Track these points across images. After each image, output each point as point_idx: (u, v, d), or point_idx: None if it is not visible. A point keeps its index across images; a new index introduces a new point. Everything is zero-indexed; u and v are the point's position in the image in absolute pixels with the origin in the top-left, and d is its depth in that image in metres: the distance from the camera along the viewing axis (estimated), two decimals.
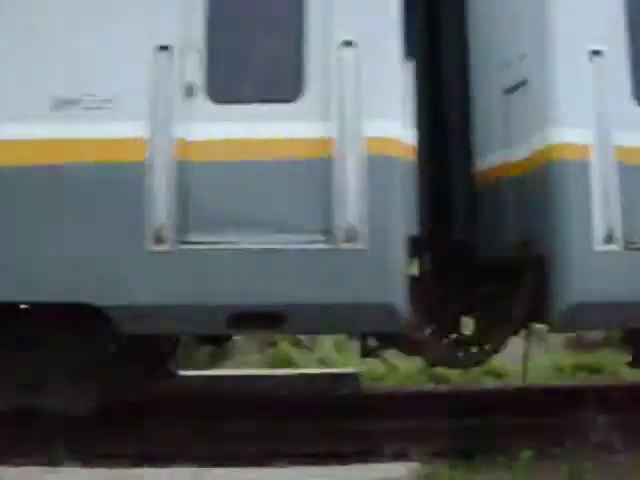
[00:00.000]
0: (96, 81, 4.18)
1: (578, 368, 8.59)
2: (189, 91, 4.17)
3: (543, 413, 5.31)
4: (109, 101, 4.13)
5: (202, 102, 4.20)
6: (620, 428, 4.58)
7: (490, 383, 7.90)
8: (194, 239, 4.08)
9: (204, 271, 4.09)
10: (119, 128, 4.12)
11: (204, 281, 4.08)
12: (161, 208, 4.05)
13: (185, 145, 4.14)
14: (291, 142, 4.19)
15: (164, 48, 4.16)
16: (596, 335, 10.02)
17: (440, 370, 7.73)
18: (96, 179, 4.10)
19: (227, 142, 4.18)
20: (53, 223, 4.05)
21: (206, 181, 4.12)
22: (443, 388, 7.67)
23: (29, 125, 4.11)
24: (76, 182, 4.08)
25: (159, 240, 4.04)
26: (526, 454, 4.09)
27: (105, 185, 4.10)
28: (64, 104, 4.13)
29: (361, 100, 4.15)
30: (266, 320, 4.12)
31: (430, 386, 7.84)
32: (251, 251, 4.07)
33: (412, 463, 4.03)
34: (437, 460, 4.24)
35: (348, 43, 4.17)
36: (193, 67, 4.20)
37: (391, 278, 4.14)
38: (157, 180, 4.08)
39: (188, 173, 4.09)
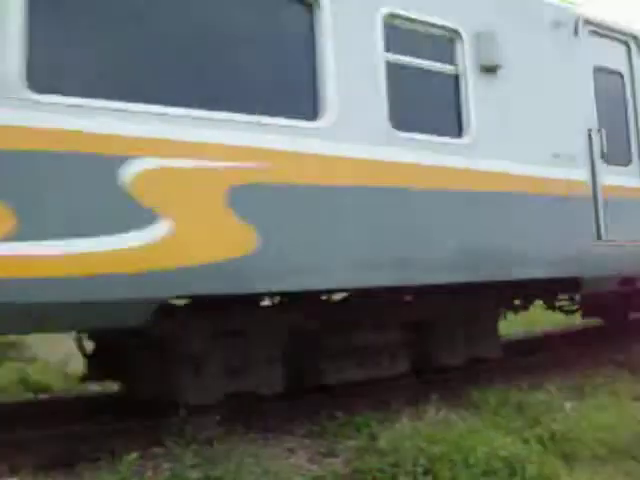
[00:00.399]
0: (568, 145, 7.44)
1: None
2: (601, 157, 7.71)
3: (145, 415, 5.50)
4: (574, 157, 7.44)
5: (602, 163, 7.69)
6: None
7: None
8: (610, 238, 7.57)
9: (617, 256, 7.68)
10: (577, 174, 7.46)
11: (616, 261, 7.70)
12: (601, 223, 7.52)
13: (604, 187, 7.63)
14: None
15: (590, 130, 7.64)
16: None
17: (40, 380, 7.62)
18: (560, 203, 7.22)
19: (619, 187, 7.87)
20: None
21: (612, 209, 7.67)
22: (44, 397, 7.48)
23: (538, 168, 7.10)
24: (553, 204, 7.17)
25: (599, 238, 7.50)
26: (130, 456, 4.24)
27: (568, 207, 7.29)
28: (559, 157, 7.27)
29: None
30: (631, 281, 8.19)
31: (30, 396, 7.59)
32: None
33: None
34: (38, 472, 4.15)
35: None
36: (600, 143, 7.69)
37: None
38: (599, 208, 7.57)
39: (607, 204, 7.66)
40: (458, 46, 6.67)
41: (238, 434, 5.16)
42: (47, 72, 4.39)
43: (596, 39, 8.13)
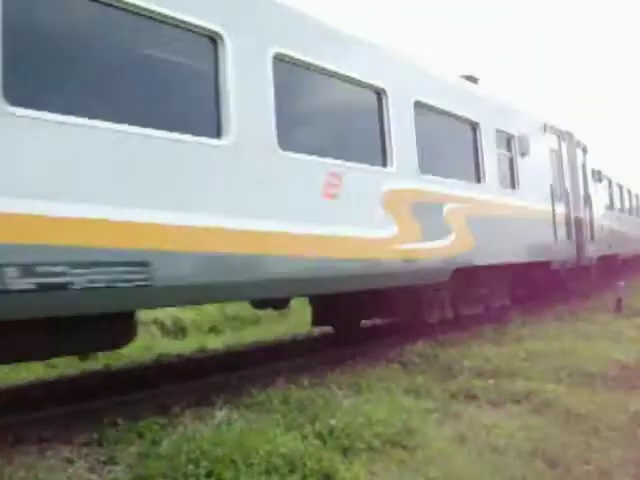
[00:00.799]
0: (545, 191, 14.36)
1: None
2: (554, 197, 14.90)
3: None
4: (548, 197, 14.43)
5: (555, 201, 14.82)
6: None
7: None
8: (558, 240, 14.54)
9: (561, 249, 14.83)
10: (548, 206, 14.38)
11: (561, 252, 14.80)
12: (556, 232, 14.41)
13: (555, 213, 14.61)
14: None
15: (551, 183, 14.72)
16: None
17: None
18: (545, 221, 14.23)
19: (560, 213, 15.08)
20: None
21: (558, 223, 14.71)
22: None
23: (540, 204, 14.13)
24: (543, 222, 14.19)
25: (555, 240, 14.33)
26: None
27: (546, 223, 14.29)
28: (544, 197, 14.25)
29: None
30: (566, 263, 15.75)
31: None
32: None
33: None
34: None
35: None
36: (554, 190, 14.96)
37: None
38: (555, 223, 14.50)
39: (556, 221, 14.68)
40: (512, 142, 13.03)
41: (9, 445, 5.04)
42: (425, 165, 9.76)
43: (550, 133, 15.27)
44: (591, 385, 7.17)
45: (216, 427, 5.56)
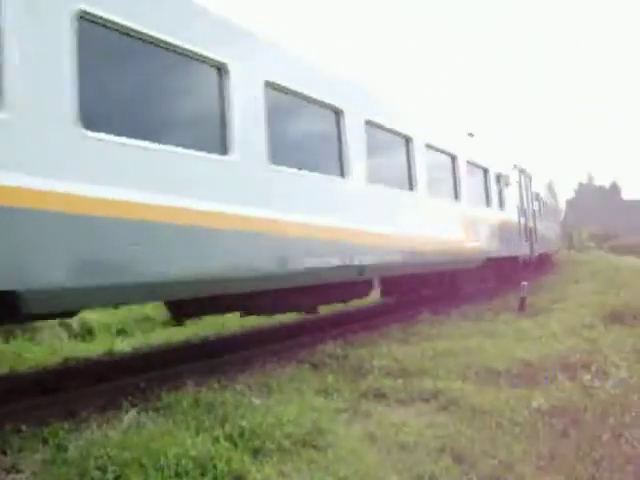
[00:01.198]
0: (514, 208, 20.97)
1: None
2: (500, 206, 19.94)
3: None
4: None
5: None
6: None
7: None
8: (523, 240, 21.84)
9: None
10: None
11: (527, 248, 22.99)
12: (521, 237, 20.98)
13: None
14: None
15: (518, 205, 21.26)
16: None
17: None
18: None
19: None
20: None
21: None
22: None
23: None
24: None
25: (521, 241, 21.46)
26: None
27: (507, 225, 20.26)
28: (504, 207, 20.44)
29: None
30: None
31: None
32: None
33: None
34: None
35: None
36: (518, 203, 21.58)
37: None
38: (521, 231, 21.23)
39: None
40: (501, 179, 19.03)
41: None
42: (469, 197, 16.39)
43: (516, 170, 21.18)
44: (496, 382, 7.38)
45: (124, 431, 5.51)
